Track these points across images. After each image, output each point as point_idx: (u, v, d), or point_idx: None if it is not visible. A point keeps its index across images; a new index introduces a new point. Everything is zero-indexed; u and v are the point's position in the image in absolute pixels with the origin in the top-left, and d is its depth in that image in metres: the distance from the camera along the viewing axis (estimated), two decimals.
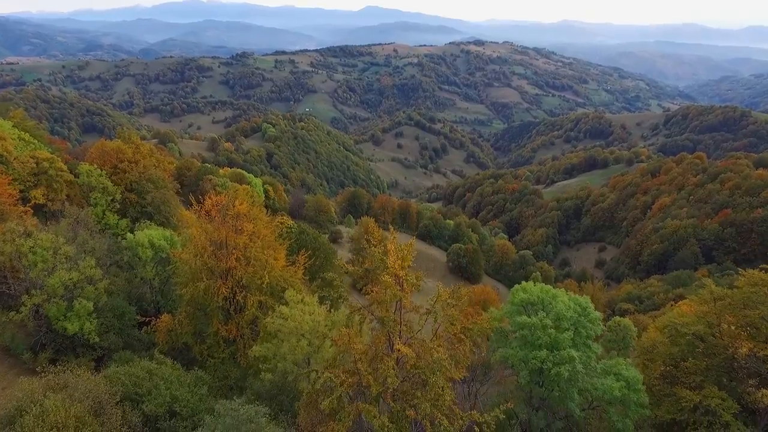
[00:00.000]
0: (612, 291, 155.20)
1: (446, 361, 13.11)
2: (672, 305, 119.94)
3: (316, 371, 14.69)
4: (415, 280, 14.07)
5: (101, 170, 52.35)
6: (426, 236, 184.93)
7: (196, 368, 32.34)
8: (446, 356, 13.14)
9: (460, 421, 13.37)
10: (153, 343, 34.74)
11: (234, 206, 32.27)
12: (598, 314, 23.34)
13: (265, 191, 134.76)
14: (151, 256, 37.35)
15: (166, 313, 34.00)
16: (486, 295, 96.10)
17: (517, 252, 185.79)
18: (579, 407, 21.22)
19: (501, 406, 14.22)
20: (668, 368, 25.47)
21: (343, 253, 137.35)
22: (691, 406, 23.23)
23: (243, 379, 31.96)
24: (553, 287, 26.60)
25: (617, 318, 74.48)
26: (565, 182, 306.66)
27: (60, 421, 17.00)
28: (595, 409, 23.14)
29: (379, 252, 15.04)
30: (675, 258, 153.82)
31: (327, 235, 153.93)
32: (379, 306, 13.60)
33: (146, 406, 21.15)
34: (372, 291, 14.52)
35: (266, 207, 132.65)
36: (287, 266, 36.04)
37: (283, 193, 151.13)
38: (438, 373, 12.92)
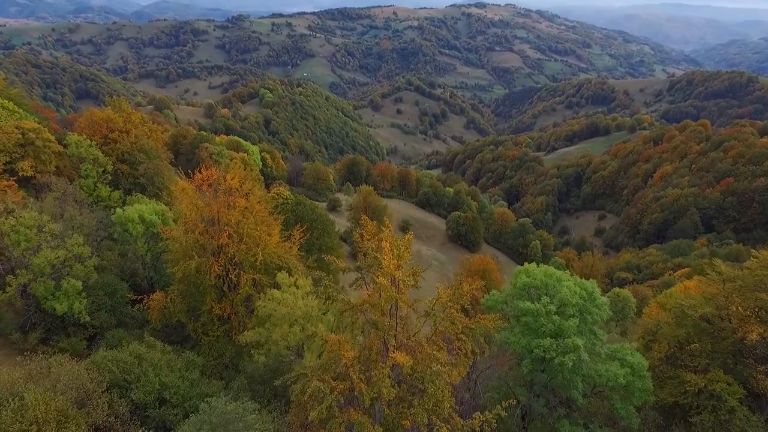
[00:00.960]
0: (611, 259, 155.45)
1: (446, 372, 12.15)
2: (670, 274, 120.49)
3: (305, 374, 13.80)
4: (412, 281, 12.85)
5: (91, 141, 50.69)
6: (425, 204, 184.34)
7: (189, 348, 31.74)
8: (446, 362, 12.16)
9: (460, 428, 12.57)
10: (147, 320, 34.06)
11: (226, 181, 30.98)
12: (605, 300, 22.37)
13: (263, 159, 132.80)
14: (142, 232, 36.21)
15: (159, 291, 33.14)
16: (485, 264, 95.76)
17: (517, 220, 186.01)
18: (582, 394, 20.64)
19: (503, 402, 13.42)
20: (672, 350, 24.82)
21: (342, 222, 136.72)
22: (696, 390, 22.66)
23: (238, 357, 31.43)
24: (558, 268, 25.71)
25: (616, 289, 74.42)
26: (565, 149, 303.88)
27: (40, 416, 16.25)
28: (598, 394, 22.55)
29: (372, 249, 13.79)
30: (675, 227, 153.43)
31: (326, 203, 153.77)
32: (373, 309, 12.50)
33: (134, 394, 20.45)
34: (365, 292, 13.40)
35: (264, 175, 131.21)
36: (282, 242, 34.99)
37: (281, 160, 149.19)
38: (437, 380, 11.98)
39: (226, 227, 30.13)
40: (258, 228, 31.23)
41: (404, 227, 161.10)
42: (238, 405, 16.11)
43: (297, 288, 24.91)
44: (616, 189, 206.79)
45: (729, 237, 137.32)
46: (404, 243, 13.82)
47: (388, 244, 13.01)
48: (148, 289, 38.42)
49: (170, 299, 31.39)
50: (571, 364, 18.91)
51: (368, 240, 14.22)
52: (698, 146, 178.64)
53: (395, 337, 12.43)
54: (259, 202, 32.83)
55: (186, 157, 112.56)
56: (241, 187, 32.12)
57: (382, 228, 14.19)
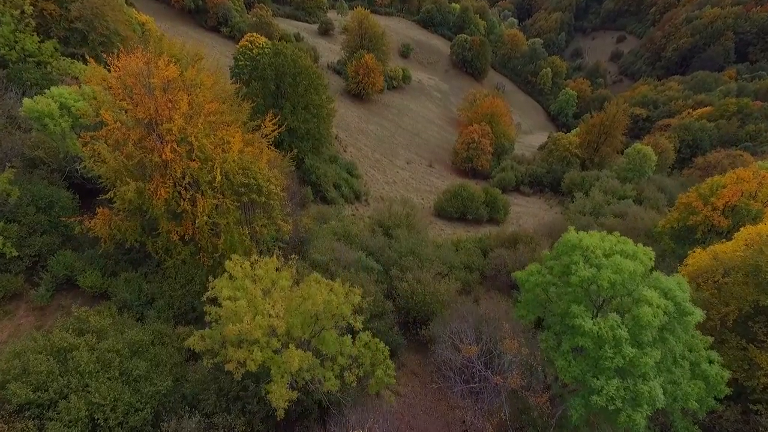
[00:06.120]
0: (626, 91, 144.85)
1: None
2: (689, 113, 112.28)
3: None
4: None
5: None
6: (428, 23, 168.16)
7: (153, 269, 26.57)
8: None
9: None
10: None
11: (158, 70, 22.25)
12: (699, 313, 15.96)
13: None
14: (70, 125, 28.06)
15: (101, 208, 26.40)
16: (493, 108, 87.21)
17: (527, 41, 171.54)
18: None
19: None
20: (745, 314, 19.72)
21: (335, 48, 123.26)
22: None
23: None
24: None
25: (638, 146, 67.78)
26: None
27: None
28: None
29: None
30: (702, 55, 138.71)
31: (317, 26, 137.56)
32: None
33: (53, 425, 15.51)
34: None
35: None
36: (249, 139, 27.25)
37: None
38: None
39: (168, 136, 22.48)
40: (212, 136, 23.48)
41: (404, 52, 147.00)
42: None
43: (255, 278, 18.35)
44: (643, 6, 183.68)
45: (763, 68, 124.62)
46: None
47: None
48: (100, 189, 31.66)
49: (115, 224, 25.20)
50: (643, 423, 13.84)
51: None
52: None
53: None
54: (211, 95, 24.36)
55: None
56: (181, 75, 23.44)
57: None
